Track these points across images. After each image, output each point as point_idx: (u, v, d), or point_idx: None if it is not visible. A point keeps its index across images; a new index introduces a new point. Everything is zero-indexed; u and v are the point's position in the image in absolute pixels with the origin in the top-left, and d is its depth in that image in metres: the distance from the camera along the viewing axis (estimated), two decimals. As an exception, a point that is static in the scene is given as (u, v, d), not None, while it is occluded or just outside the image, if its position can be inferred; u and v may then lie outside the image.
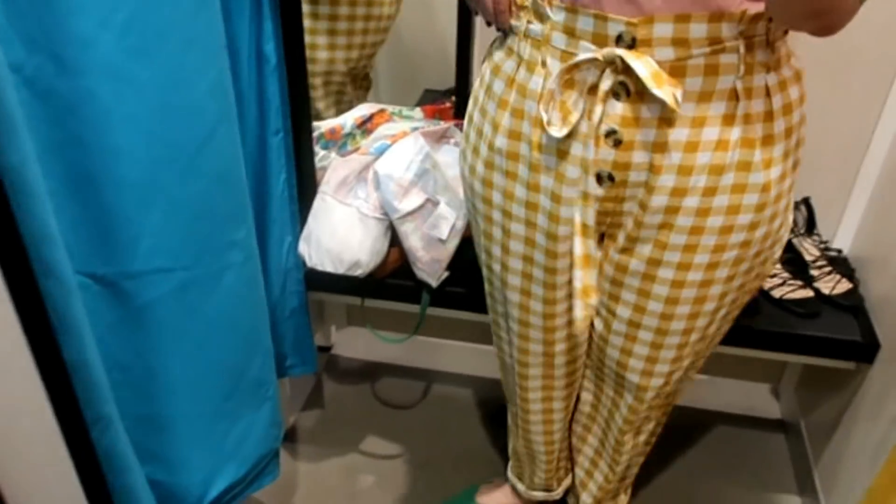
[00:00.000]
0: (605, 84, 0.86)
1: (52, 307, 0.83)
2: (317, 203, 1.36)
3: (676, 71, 0.85)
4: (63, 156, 0.87)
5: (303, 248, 1.37)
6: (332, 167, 1.35)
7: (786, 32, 0.89)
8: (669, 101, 0.83)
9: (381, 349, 1.97)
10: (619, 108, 0.88)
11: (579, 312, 1.04)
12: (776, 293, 1.46)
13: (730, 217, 0.94)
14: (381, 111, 1.45)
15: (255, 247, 1.18)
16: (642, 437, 1.26)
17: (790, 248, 1.52)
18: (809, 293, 1.46)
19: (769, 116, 0.90)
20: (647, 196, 0.93)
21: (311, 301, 1.63)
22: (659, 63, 0.84)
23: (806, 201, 1.56)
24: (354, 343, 2.01)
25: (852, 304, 1.45)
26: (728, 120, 0.88)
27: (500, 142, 0.99)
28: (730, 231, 0.95)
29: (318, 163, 1.41)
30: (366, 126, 1.44)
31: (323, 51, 1.48)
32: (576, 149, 0.92)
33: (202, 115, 0.99)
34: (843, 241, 1.58)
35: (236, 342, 1.18)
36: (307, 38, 1.30)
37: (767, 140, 0.90)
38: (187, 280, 1.06)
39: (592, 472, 1.38)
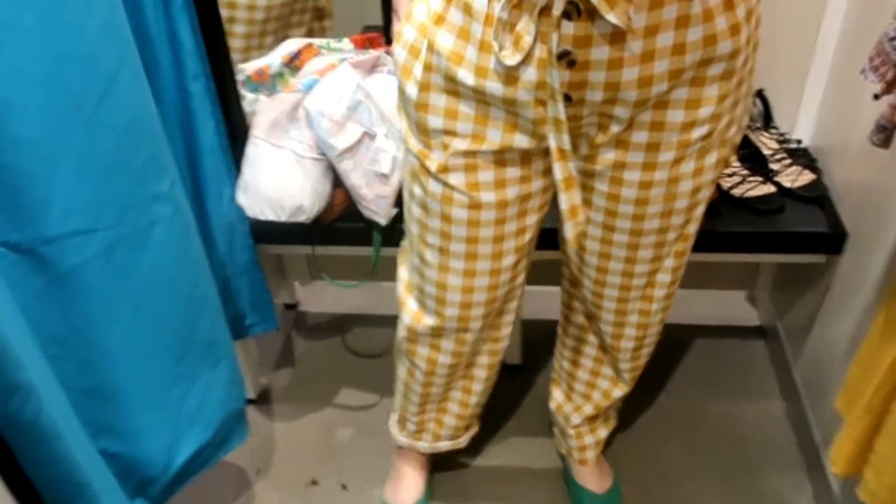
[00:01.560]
0: (558, 6, 0.81)
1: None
2: (249, 149, 1.29)
3: None
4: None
5: (241, 198, 1.31)
6: (261, 109, 1.28)
7: None
8: (623, 23, 0.80)
9: (347, 301, 1.92)
10: (570, 28, 0.82)
11: (570, 232, 0.99)
12: (737, 191, 1.42)
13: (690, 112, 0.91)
14: (309, 46, 1.37)
15: (184, 199, 1.11)
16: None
17: (747, 143, 1.47)
18: (771, 188, 1.42)
19: (727, 5, 0.85)
20: (610, 108, 0.89)
21: (268, 256, 1.58)
22: None
23: (760, 93, 1.51)
24: (321, 297, 1.96)
25: (816, 195, 1.42)
26: (683, 21, 0.83)
27: (438, 61, 0.91)
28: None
29: (247, 107, 1.34)
30: (294, 63, 1.36)
31: None
32: (528, 74, 0.87)
33: (98, 61, 0.92)
34: (802, 132, 1.54)
35: (178, 301, 1.12)
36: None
37: (728, 30, 0.86)
38: (112, 240, 1.00)
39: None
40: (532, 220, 1.08)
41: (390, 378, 1.40)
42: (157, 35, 1.13)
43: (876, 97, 0.96)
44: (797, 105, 1.52)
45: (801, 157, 1.48)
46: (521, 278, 1.18)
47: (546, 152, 0.97)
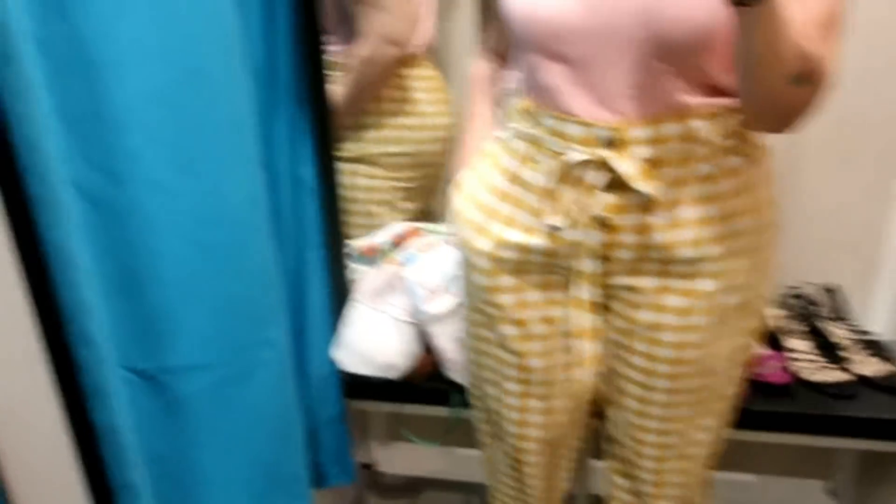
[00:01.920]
0: (599, 181, 0.98)
1: (87, 373, 0.90)
2: (349, 310, 1.44)
3: (656, 164, 0.97)
4: (113, 258, 0.97)
5: (337, 353, 1.43)
6: (364, 278, 1.44)
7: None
8: (650, 192, 0.96)
9: (423, 464, 1.97)
10: (609, 198, 0.99)
11: (584, 378, 1.11)
12: (810, 376, 1.45)
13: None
14: (415, 228, 1.55)
15: (287, 346, 1.24)
16: None
17: (818, 332, 1.53)
18: (845, 376, 1.45)
19: (745, 190, 1.00)
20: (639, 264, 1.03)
21: (352, 414, 1.67)
22: (640, 159, 0.96)
23: (829, 289, 1.58)
24: (397, 459, 2.01)
25: (892, 385, 1.44)
26: (705, 199, 0.98)
27: (508, 233, 1.07)
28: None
29: (351, 276, 1.50)
30: (399, 243, 1.53)
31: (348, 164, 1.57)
32: (567, 234, 1.02)
33: (238, 224, 1.09)
34: (875, 325, 1.58)
35: (269, 437, 1.23)
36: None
37: (748, 209, 1.01)
38: (223, 375, 1.13)
39: None
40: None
41: None
42: (285, 210, 1.32)
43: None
44: (869, 298, 1.58)
45: (876, 348, 1.52)
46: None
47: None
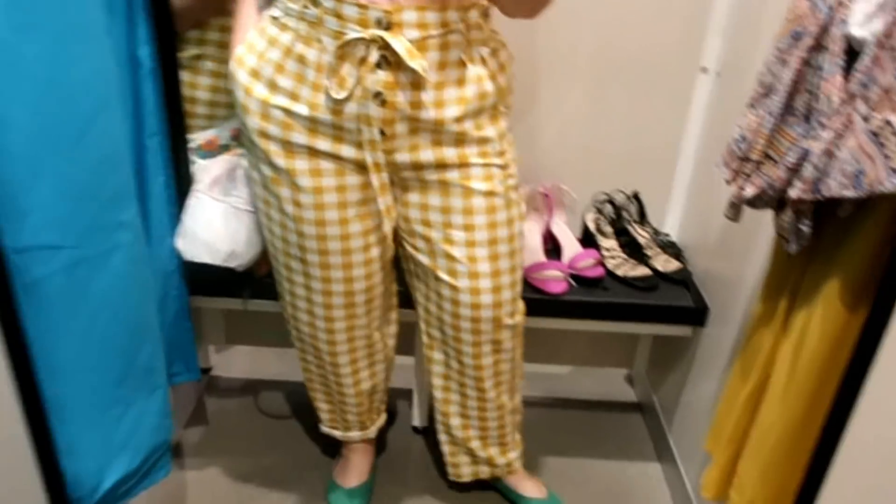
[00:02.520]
0: (373, 57, 1.13)
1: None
2: (191, 201, 1.43)
3: (420, 47, 1.13)
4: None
5: (180, 243, 1.42)
6: (203, 168, 1.43)
7: (487, 17, 1.23)
8: (420, 70, 1.12)
9: (259, 366, 2.01)
10: (382, 75, 1.14)
11: (387, 228, 1.30)
12: (619, 271, 1.65)
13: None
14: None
15: (141, 229, 1.23)
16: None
17: (626, 233, 1.73)
18: (647, 271, 1.67)
19: (491, 75, 1.23)
20: (415, 139, 1.22)
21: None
22: (409, 41, 1.12)
23: (636, 195, 1.78)
24: (234, 362, 2.04)
25: (683, 279, 1.67)
26: (461, 82, 1.19)
27: (278, 100, 1.20)
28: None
29: (194, 172, 1.48)
30: (240, 138, 1.52)
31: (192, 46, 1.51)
32: (350, 108, 1.17)
33: (86, 96, 1.05)
34: (670, 228, 1.81)
35: (126, 325, 1.21)
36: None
37: (494, 91, 1.24)
38: (76, 258, 1.10)
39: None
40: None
41: (300, 436, 1.49)
42: (122, 93, 1.27)
43: (727, 183, 1.22)
44: (665, 206, 1.80)
45: (670, 248, 1.74)
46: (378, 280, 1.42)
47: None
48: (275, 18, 1.22)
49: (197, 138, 1.52)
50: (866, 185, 0.90)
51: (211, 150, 1.53)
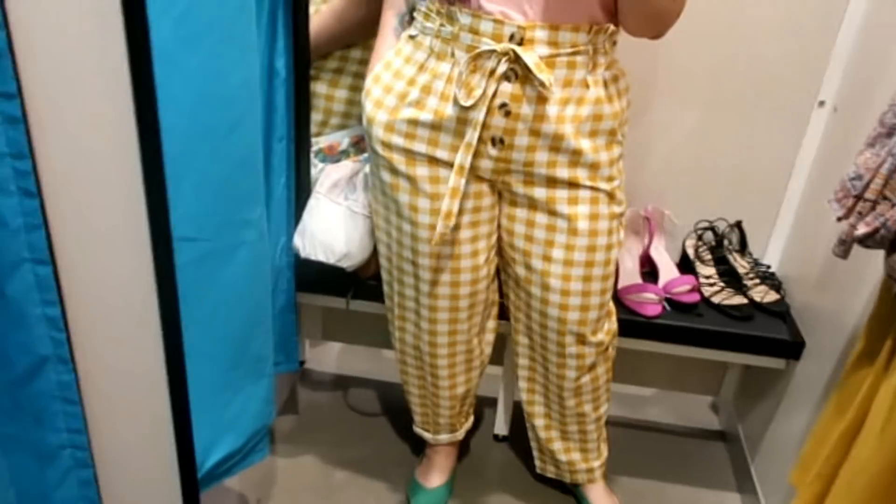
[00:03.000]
0: (501, 69, 1.20)
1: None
2: (311, 202, 1.51)
3: (549, 63, 1.20)
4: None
5: (297, 240, 1.51)
6: (326, 172, 1.52)
7: (614, 44, 1.28)
8: (546, 82, 1.18)
9: (351, 363, 2.09)
10: (509, 87, 1.21)
11: (441, 229, 1.31)
12: (715, 299, 1.66)
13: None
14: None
15: (266, 228, 1.31)
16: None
17: (725, 261, 1.73)
18: (744, 300, 1.66)
19: (609, 98, 1.28)
20: (531, 155, 1.27)
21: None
22: (538, 55, 1.18)
23: (738, 224, 1.78)
24: (327, 358, 2.12)
25: (780, 311, 1.66)
26: (581, 101, 1.25)
27: (405, 112, 1.27)
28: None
29: (314, 174, 1.57)
30: (360, 145, 1.61)
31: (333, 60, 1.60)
32: (473, 115, 1.23)
33: (234, 104, 1.15)
34: (771, 259, 1.80)
35: (243, 317, 1.30)
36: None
37: (610, 115, 1.28)
38: (207, 250, 1.19)
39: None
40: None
41: (387, 433, 1.63)
42: (261, 99, 1.37)
43: (838, 220, 1.22)
44: (768, 237, 1.79)
45: (769, 279, 1.73)
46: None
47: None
48: (411, 37, 1.30)
49: (319, 142, 1.60)
50: None
51: (332, 155, 1.61)
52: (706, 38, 1.60)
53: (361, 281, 1.62)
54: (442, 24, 1.23)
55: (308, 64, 1.45)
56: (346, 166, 1.52)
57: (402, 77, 1.29)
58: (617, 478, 1.80)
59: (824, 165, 1.62)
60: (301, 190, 1.54)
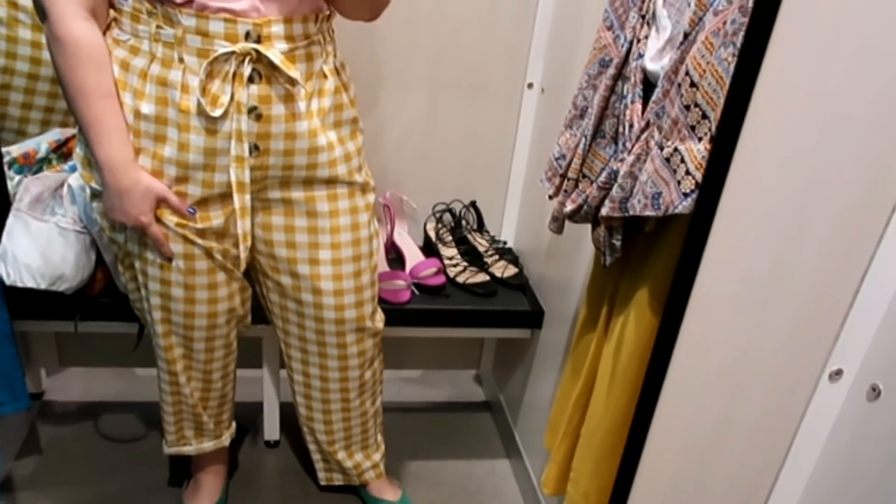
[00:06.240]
0: (246, 71, 1.11)
1: None
2: (10, 221, 1.35)
3: (290, 59, 1.14)
4: None
5: (0, 267, 1.35)
6: (24, 186, 1.36)
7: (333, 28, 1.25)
8: (298, 78, 1.13)
9: (98, 388, 1.93)
10: (255, 89, 1.13)
11: (243, 254, 1.27)
12: (460, 279, 1.71)
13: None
14: (76, 135, 1.47)
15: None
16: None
17: (465, 241, 1.79)
18: (486, 277, 1.73)
19: (344, 87, 1.26)
20: (290, 158, 1.21)
21: (17, 339, 1.57)
22: (279, 51, 1.12)
23: (473, 204, 1.85)
24: (69, 385, 1.94)
25: (520, 284, 1.75)
26: (322, 93, 1.21)
27: (146, 126, 1.14)
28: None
29: (11, 188, 1.40)
30: (62, 150, 1.46)
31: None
32: (224, 125, 1.14)
33: None
34: (507, 235, 1.90)
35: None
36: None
37: (348, 103, 1.26)
38: None
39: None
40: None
41: (147, 460, 1.46)
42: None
43: (550, 198, 1.29)
44: (501, 214, 1.88)
45: (507, 254, 1.82)
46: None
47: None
48: (119, 41, 1.14)
49: (12, 151, 1.43)
50: (663, 206, 0.99)
51: (29, 165, 1.45)
52: (418, 25, 1.64)
53: (90, 299, 1.48)
54: (159, 27, 1.10)
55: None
56: (49, 177, 1.37)
57: (127, 87, 1.13)
58: (394, 464, 1.81)
59: (539, 144, 1.73)
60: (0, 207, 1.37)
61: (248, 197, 1.21)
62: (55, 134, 1.47)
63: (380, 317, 1.47)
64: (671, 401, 1.06)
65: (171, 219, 1.21)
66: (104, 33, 1.13)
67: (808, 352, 1.05)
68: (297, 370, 1.51)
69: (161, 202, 1.18)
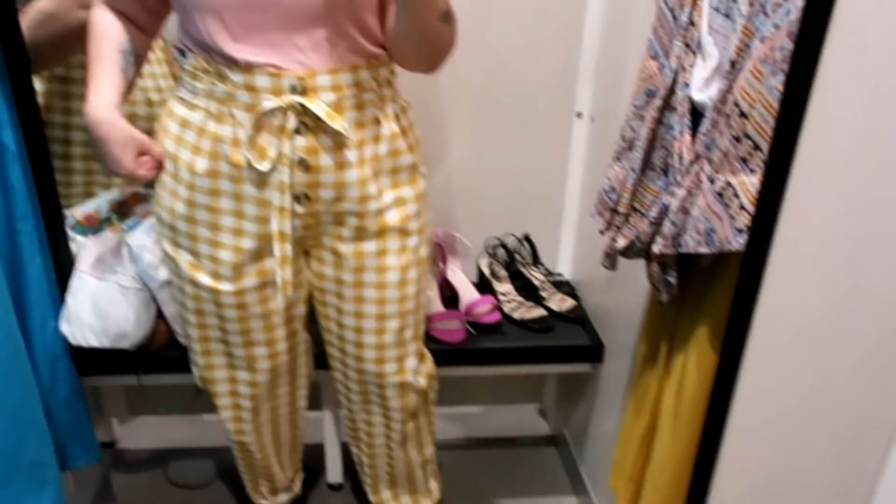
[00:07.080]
0: (291, 124, 1.12)
1: None
2: (74, 282, 1.39)
3: (337, 109, 1.14)
4: None
5: (64, 327, 1.38)
6: (86, 246, 1.40)
7: (394, 73, 1.23)
8: (342, 130, 1.13)
9: (167, 435, 1.96)
10: (302, 141, 1.14)
11: (281, 303, 1.29)
12: (516, 314, 1.68)
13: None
14: (135, 194, 1.52)
15: (15, 322, 1.19)
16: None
17: (520, 275, 1.76)
18: (543, 312, 1.70)
19: (403, 132, 1.23)
20: (340, 205, 1.21)
21: (87, 392, 1.62)
22: (325, 103, 1.12)
23: (527, 237, 1.82)
24: (140, 434, 1.98)
25: (578, 317, 1.71)
26: (377, 139, 1.20)
27: (201, 182, 1.17)
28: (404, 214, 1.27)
29: (76, 250, 1.44)
30: (122, 210, 1.49)
31: (58, 114, 1.48)
32: (273, 176, 1.15)
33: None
34: (563, 268, 1.86)
35: (5, 423, 1.17)
36: (41, 100, 1.35)
37: (406, 148, 1.24)
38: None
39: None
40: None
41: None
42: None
43: (601, 233, 1.26)
44: (556, 246, 1.85)
45: (564, 286, 1.78)
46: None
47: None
48: (182, 100, 1.19)
49: (75, 214, 1.48)
50: (717, 243, 0.95)
51: (91, 226, 1.49)
52: (464, 58, 1.61)
53: (152, 354, 1.51)
54: (213, 83, 1.13)
55: (41, 131, 1.32)
56: (108, 237, 1.41)
57: (185, 144, 1.18)
58: (456, 500, 1.78)
59: (592, 173, 1.69)
60: (63, 269, 1.41)
61: (288, 246, 1.21)
62: (115, 193, 1.52)
63: (426, 371, 1.43)
64: (733, 447, 1.01)
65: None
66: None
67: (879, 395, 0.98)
68: (344, 415, 1.53)
69: (141, 153, 1.18)
